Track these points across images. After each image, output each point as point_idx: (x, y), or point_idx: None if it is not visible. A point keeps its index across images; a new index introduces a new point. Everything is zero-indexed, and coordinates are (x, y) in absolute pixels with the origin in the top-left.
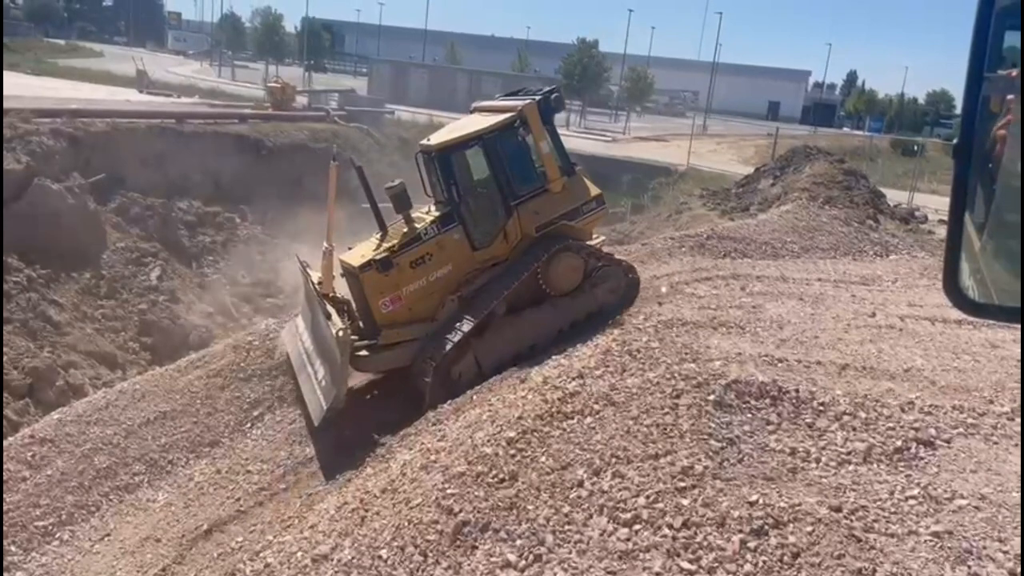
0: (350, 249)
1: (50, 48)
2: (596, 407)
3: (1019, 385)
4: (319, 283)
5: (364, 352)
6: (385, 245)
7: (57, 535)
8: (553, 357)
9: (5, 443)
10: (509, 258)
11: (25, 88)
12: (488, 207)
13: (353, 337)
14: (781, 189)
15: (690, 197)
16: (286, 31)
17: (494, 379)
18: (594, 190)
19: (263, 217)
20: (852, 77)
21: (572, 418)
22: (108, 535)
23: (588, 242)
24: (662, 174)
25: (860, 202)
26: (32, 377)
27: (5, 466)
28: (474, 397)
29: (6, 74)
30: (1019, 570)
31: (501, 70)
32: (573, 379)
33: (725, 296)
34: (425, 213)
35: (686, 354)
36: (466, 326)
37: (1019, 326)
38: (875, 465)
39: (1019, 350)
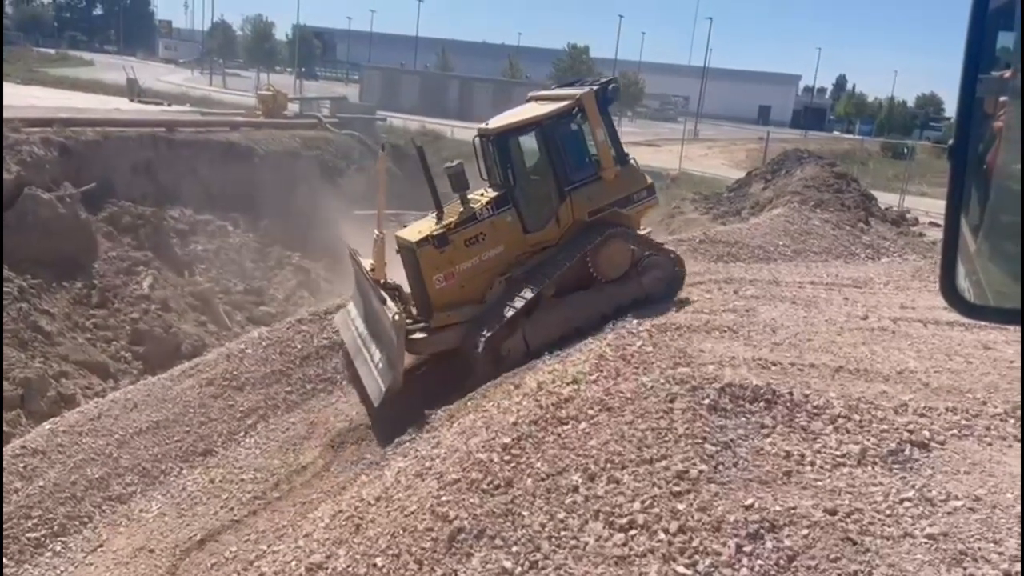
0: (404, 227)
1: (40, 57)
2: (591, 412)
3: (1012, 387)
4: (371, 269)
5: (417, 335)
6: (442, 223)
7: (49, 547)
8: (547, 362)
9: None
10: (559, 242)
11: (15, 97)
12: (542, 192)
13: (407, 321)
14: (772, 193)
15: (682, 201)
16: (277, 39)
17: (488, 384)
18: (646, 180)
19: (255, 225)
20: (842, 81)
21: (567, 423)
22: (101, 546)
23: (638, 231)
24: (654, 179)
25: (851, 205)
26: (23, 388)
27: None
28: (469, 403)
29: None
30: (1014, 571)
31: (492, 76)
32: (567, 384)
33: (718, 300)
34: (480, 195)
35: (680, 358)
36: (518, 303)
37: (1015, 328)
38: (870, 467)
39: (1011, 352)
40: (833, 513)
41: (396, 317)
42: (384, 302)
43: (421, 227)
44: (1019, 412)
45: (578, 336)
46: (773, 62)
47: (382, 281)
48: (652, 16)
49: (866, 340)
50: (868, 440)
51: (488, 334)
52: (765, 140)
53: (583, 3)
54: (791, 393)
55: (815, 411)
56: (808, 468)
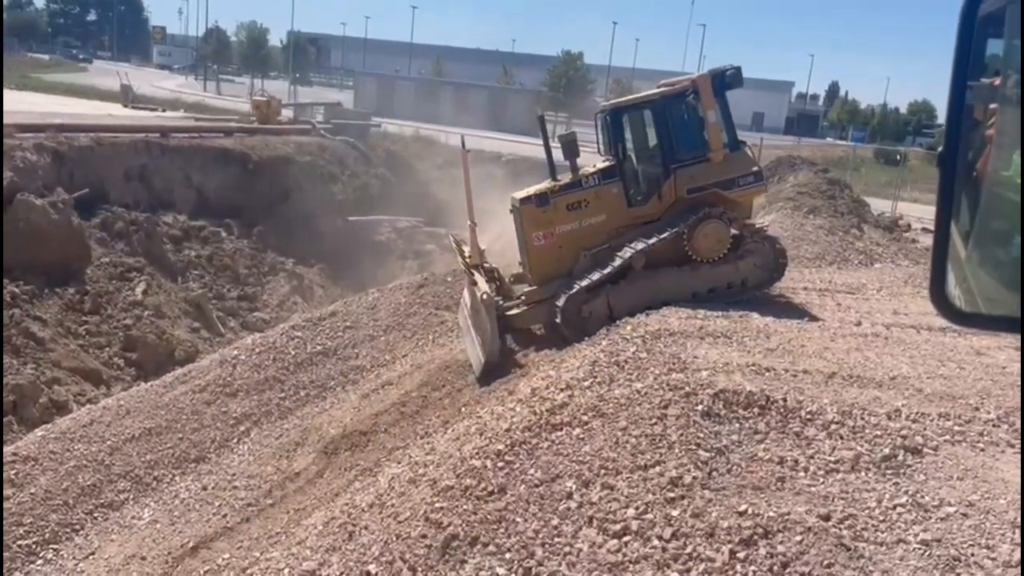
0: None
1: (34, 63)
2: (584, 418)
3: (1004, 392)
4: (468, 256)
5: (513, 311)
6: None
7: (41, 554)
8: (541, 368)
9: None
10: (661, 218)
11: (9, 103)
12: (649, 167)
13: (498, 299)
14: (766, 199)
15: None
16: (272, 45)
17: (482, 390)
18: (755, 166)
19: (249, 231)
20: (835, 88)
21: (560, 430)
22: (93, 553)
23: (748, 217)
24: None
25: (844, 211)
26: (15, 394)
27: None
28: (463, 409)
29: None
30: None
31: (486, 83)
32: (561, 391)
33: (711, 305)
34: (593, 166)
35: (674, 364)
36: (604, 269)
37: (1005, 334)
38: (863, 473)
39: (1004, 357)
40: (827, 519)
41: (484, 296)
42: (475, 284)
43: (530, 189)
44: (1011, 418)
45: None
46: (766, 69)
47: (480, 264)
48: (646, 23)
49: (859, 346)
50: (861, 446)
51: (570, 292)
52: (759, 147)
53: (577, 10)
54: (785, 399)
55: (808, 417)
56: (802, 474)
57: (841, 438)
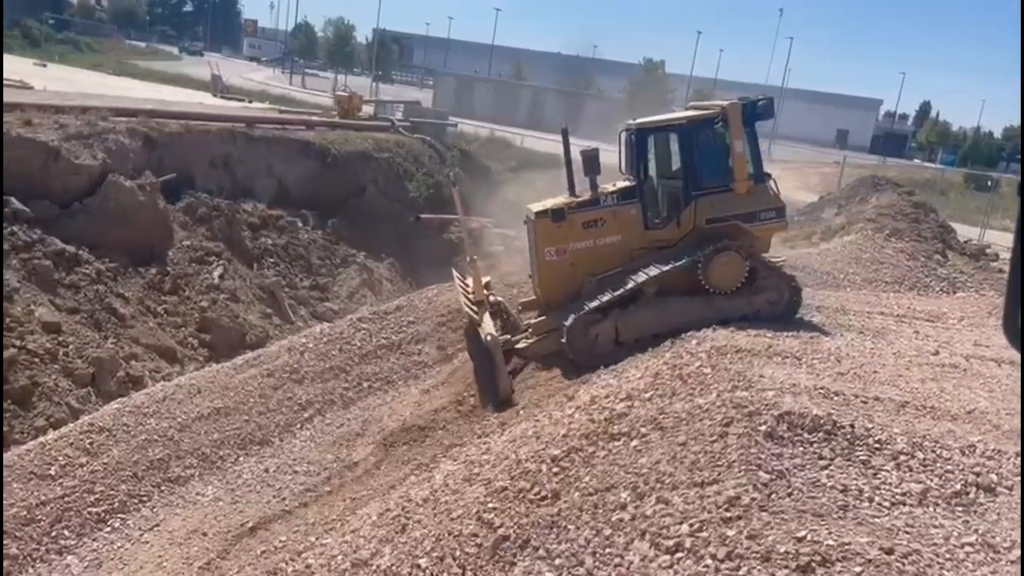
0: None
1: (131, 50)
2: (643, 430)
3: None
4: (472, 292)
5: (522, 343)
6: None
7: (109, 522)
8: (602, 376)
9: (65, 429)
10: (677, 245)
11: (107, 88)
12: (670, 192)
13: (505, 336)
14: (845, 219)
15: None
16: (357, 41)
17: (541, 395)
18: (777, 202)
19: (324, 223)
20: (926, 108)
21: (618, 440)
22: (157, 525)
23: (766, 252)
24: None
25: (928, 236)
26: (95, 367)
27: (63, 451)
28: (520, 411)
29: (90, 73)
30: None
31: (565, 88)
32: (621, 400)
33: (781, 325)
34: (612, 185)
35: (739, 382)
36: (606, 295)
37: None
38: (931, 508)
39: None
40: (890, 552)
41: (489, 338)
42: (480, 324)
43: (548, 202)
44: None
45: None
46: (854, 85)
47: (484, 300)
48: (731, 34)
49: (935, 376)
50: (931, 480)
51: (579, 313)
52: (841, 164)
53: (661, 19)
54: (852, 425)
55: (877, 446)
56: (866, 504)
57: (910, 470)
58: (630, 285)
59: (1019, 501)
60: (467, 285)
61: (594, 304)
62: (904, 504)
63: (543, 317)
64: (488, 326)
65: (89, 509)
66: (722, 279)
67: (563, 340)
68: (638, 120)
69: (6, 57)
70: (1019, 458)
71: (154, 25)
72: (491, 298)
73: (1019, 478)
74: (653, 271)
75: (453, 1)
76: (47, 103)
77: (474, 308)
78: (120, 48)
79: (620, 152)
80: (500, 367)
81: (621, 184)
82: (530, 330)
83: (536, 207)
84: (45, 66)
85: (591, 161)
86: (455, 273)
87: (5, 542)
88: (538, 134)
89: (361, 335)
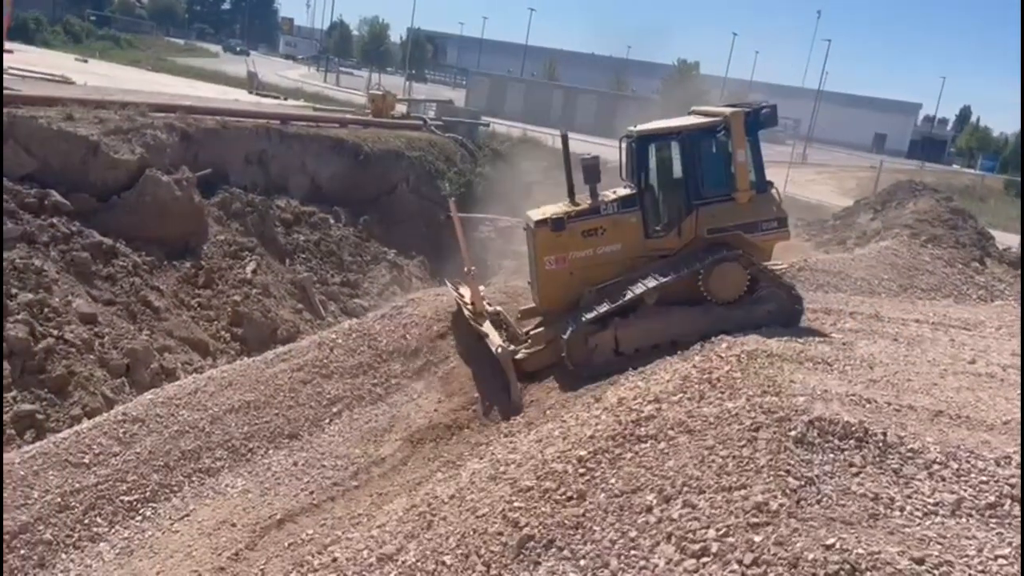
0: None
1: (169, 47)
2: (671, 433)
3: None
4: (471, 304)
5: (521, 354)
6: (565, 209)
7: (141, 511)
8: (630, 377)
9: (99, 418)
10: (678, 253)
11: (145, 83)
12: (671, 200)
13: (512, 348)
14: (881, 224)
15: None
16: (391, 40)
17: (568, 395)
18: (780, 211)
19: (356, 219)
20: (966, 112)
21: (645, 442)
22: (187, 515)
23: (767, 261)
24: None
25: (966, 243)
26: (130, 358)
27: (98, 440)
28: (547, 412)
29: (129, 69)
30: None
31: (598, 88)
32: (649, 403)
33: (814, 330)
34: (612, 193)
35: (769, 387)
36: (606, 305)
37: None
38: (964, 519)
39: None
40: (920, 563)
41: (499, 349)
42: (486, 336)
43: (547, 210)
44: None
45: (672, 349)
46: (893, 89)
47: (484, 311)
48: (768, 35)
49: (971, 385)
50: (965, 490)
51: (578, 322)
52: (878, 169)
53: (697, 20)
54: (885, 433)
55: (909, 454)
56: (897, 513)
57: (943, 479)
58: (630, 295)
59: None
60: (463, 295)
61: (592, 315)
62: (936, 514)
63: (541, 329)
64: (496, 337)
65: (121, 497)
66: (723, 289)
67: (564, 340)
68: (639, 127)
69: (49, 52)
70: None
71: (192, 22)
72: (489, 308)
73: None
74: (652, 282)
75: (488, 1)
76: (88, 98)
77: (476, 320)
78: (159, 45)
79: (620, 159)
80: (513, 379)
81: (621, 192)
82: (529, 340)
83: (536, 215)
84: (86, 62)
85: (591, 170)
86: (448, 284)
87: (39, 528)
88: (571, 135)
89: (389, 332)
